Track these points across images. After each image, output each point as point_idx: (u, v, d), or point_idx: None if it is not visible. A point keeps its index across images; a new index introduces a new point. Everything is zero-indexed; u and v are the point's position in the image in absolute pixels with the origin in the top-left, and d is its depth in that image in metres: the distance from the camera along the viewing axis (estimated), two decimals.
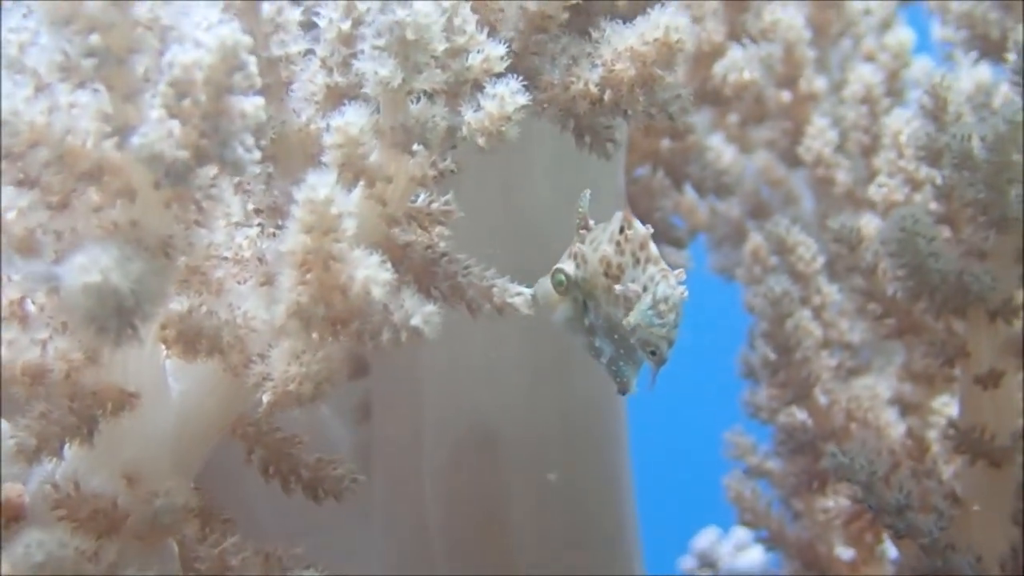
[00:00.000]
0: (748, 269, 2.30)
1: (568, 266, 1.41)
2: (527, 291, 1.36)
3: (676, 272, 1.36)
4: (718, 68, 2.17)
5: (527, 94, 1.30)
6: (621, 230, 1.37)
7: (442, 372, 1.99)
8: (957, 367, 1.93)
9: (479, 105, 1.30)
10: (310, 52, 1.39)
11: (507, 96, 1.29)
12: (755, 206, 2.73)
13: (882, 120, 2.36)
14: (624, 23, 1.51)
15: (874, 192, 2.12)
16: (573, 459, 2.01)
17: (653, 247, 1.37)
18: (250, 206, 1.41)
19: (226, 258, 1.37)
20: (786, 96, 2.54)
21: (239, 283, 1.36)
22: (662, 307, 1.34)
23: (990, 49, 2.29)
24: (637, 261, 1.37)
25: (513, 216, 1.89)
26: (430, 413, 2.01)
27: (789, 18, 2.46)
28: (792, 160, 2.56)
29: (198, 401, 1.37)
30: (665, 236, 2.26)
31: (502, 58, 1.33)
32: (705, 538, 3.24)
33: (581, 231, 1.43)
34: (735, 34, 2.11)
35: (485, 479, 2.02)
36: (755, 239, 2.31)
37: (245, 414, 1.38)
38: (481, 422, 1.98)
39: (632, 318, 1.35)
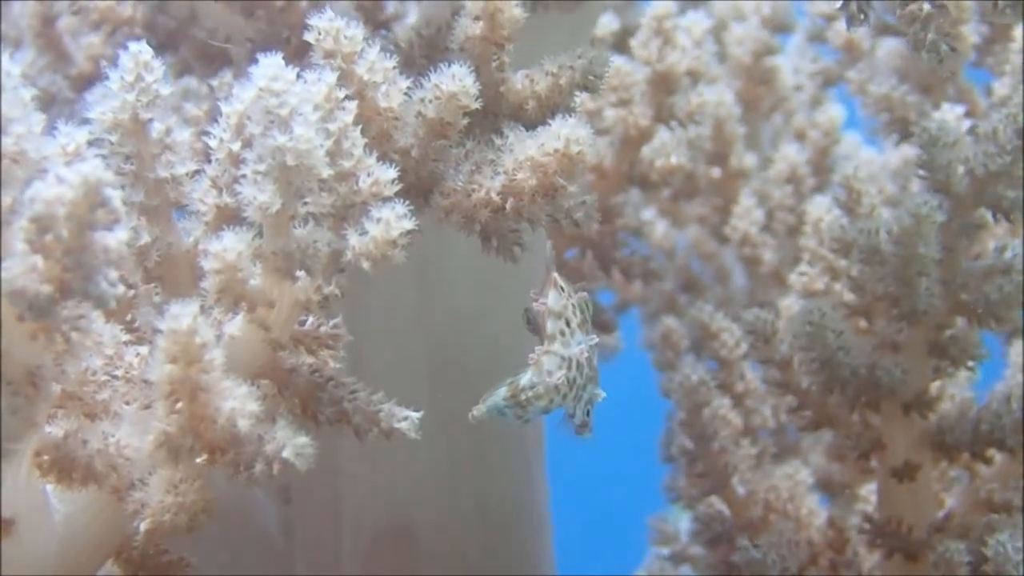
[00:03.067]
0: (661, 353, 2.24)
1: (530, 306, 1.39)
2: (414, 415, 1.31)
3: (577, 348, 1.31)
4: (646, 151, 2.11)
5: (413, 219, 1.24)
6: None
7: (360, 460, 1.93)
8: (874, 459, 1.89)
9: (364, 229, 1.24)
10: (199, 172, 1.34)
11: (393, 220, 1.24)
12: (686, 280, 2.68)
13: (806, 202, 2.32)
14: (533, 127, 1.48)
15: (794, 280, 2.07)
16: (491, 548, 1.96)
17: (551, 324, 1.33)
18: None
19: (116, 376, 1.32)
20: (716, 172, 2.49)
21: (127, 403, 1.30)
22: (525, 395, 1.31)
23: (910, 132, 2.26)
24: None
25: (431, 304, 1.84)
26: (348, 500, 1.96)
27: (718, 95, 2.42)
28: (722, 236, 2.52)
29: (83, 524, 1.31)
30: (593, 320, 2.21)
31: (392, 181, 1.28)
32: None
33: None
34: (662, 117, 2.06)
35: (403, 568, 1.95)
36: (667, 323, 2.25)
37: (128, 538, 1.32)
38: (399, 510, 1.93)
39: (476, 409, 1.33)
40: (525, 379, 1.31)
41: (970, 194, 1.74)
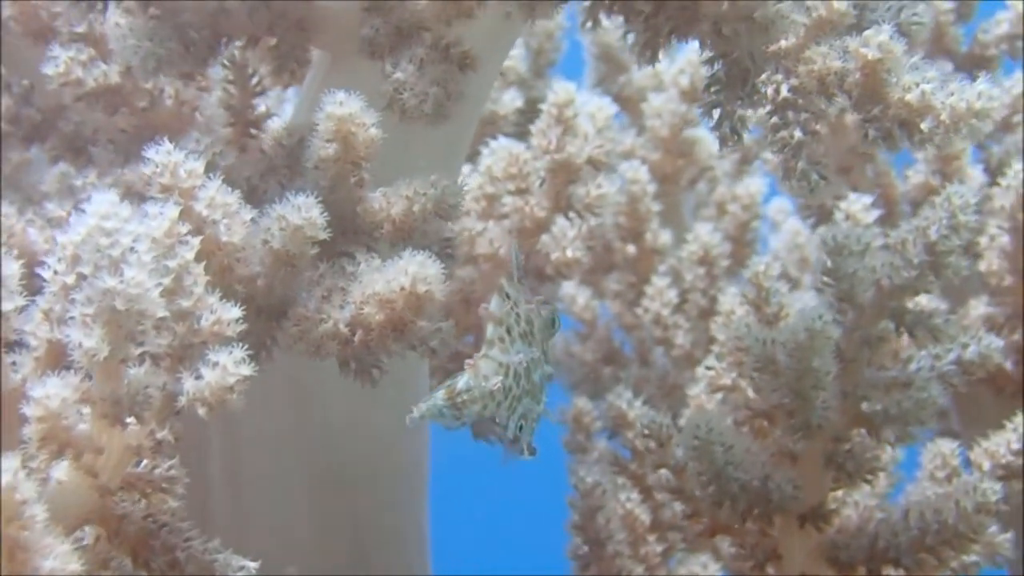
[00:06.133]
0: (571, 436, 2.24)
1: None
2: (251, 564, 1.31)
3: (516, 358, 1.35)
4: (544, 241, 2.10)
5: (251, 364, 1.25)
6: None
7: (228, 526, 1.91)
8: (770, 569, 1.90)
9: (200, 373, 1.25)
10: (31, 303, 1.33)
11: (230, 366, 1.25)
12: (608, 352, 2.68)
13: (720, 283, 2.34)
14: (394, 245, 1.49)
15: (701, 374, 2.07)
16: None
17: (490, 329, 1.37)
18: None
19: None
20: (631, 249, 2.50)
21: None
22: (460, 398, 1.33)
23: (825, 217, 2.28)
24: None
25: (305, 408, 1.84)
26: None
27: (633, 172, 2.42)
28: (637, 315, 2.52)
29: None
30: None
31: (237, 321, 1.28)
32: None
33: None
34: (560, 208, 2.07)
35: None
36: (578, 403, 2.25)
37: None
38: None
39: (416, 409, 1.35)
40: (461, 382, 1.33)
41: (875, 305, 1.76)
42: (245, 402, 1.76)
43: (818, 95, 1.42)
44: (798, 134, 1.43)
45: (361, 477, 1.86)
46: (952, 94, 1.36)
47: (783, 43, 1.44)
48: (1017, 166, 2.06)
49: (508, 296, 1.39)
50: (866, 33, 1.40)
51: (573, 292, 2.66)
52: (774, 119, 1.45)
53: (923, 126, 1.37)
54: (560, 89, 2.04)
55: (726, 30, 1.42)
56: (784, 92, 1.44)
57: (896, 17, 1.46)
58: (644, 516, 2.08)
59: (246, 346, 1.25)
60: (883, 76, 1.39)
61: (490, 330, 1.37)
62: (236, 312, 1.28)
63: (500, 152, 2.09)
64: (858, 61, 1.40)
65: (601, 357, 2.70)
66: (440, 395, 1.34)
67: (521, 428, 1.41)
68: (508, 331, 1.38)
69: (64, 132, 1.76)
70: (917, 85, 1.37)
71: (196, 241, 1.27)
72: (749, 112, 1.50)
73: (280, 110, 2.00)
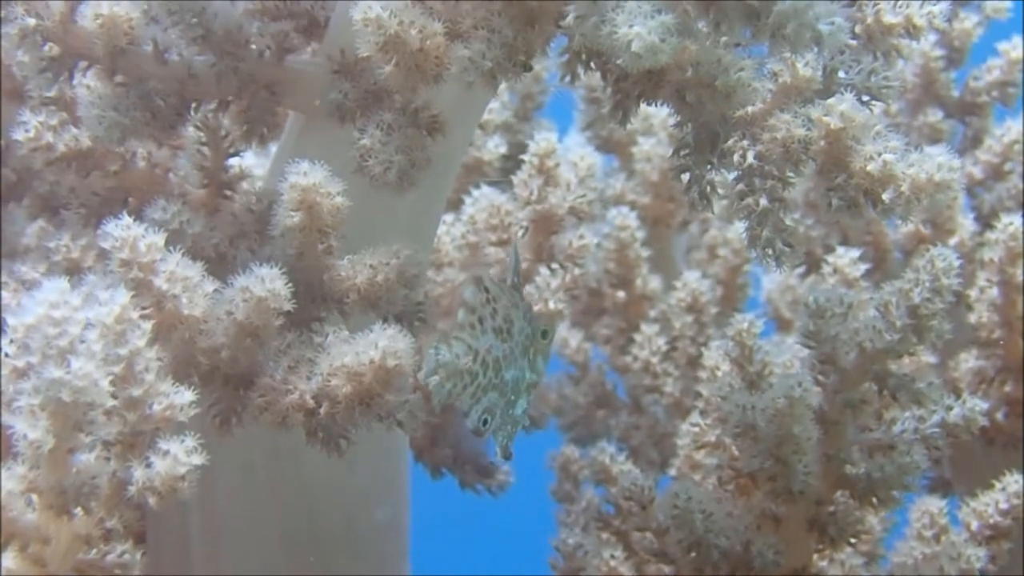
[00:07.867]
0: (559, 485, 2.21)
1: None
2: None
3: (485, 345, 1.36)
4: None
5: (201, 454, 1.23)
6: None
7: None
8: None
9: (150, 460, 1.23)
10: None
11: (180, 456, 1.23)
12: (601, 395, 2.65)
13: (709, 331, 2.31)
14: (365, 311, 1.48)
15: (686, 430, 2.04)
16: None
17: (461, 314, 1.38)
18: None
19: None
20: (621, 295, 2.47)
21: None
22: (441, 372, 1.35)
23: (815, 266, 2.25)
24: None
25: (283, 469, 1.82)
26: None
27: (622, 218, 2.40)
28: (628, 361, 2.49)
29: None
30: (474, 464, 2.18)
31: (191, 404, 1.26)
32: None
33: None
34: (542, 259, 2.04)
35: None
36: (566, 451, 2.22)
37: None
38: None
39: (425, 371, 1.37)
40: (442, 351, 1.35)
41: (857, 368, 1.72)
42: (223, 457, 1.77)
43: (783, 162, 1.39)
44: (763, 202, 1.40)
45: (338, 534, 1.83)
46: (912, 165, 1.33)
47: (750, 109, 1.41)
48: (1007, 218, 2.02)
49: (487, 289, 1.40)
50: (829, 101, 1.37)
51: (565, 335, 2.63)
52: (740, 186, 1.42)
53: (884, 196, 1.34)
54: (541, 139, 2.02)
55: (689, 97, 1.40)
56: (750, 159, 1.41)
57: (866, 80, 1.44)
58: (628, 573, 2.05)
59: (209, 419, 1.23)
60: (847, 144, 1.36)
61: (461, 315, 1.38)
62: (189, 396, 1.26)
63: (482, 202, 2.07)
64: (821, 129, 1.37)
65: (594, 400, 2.67)
66: (432, 355, 1.35)
67: (486, 423, 1.41)
68: (480, 321, 1.39)
69: (40, 192, 1.75)
70: (879, 155, 1.34)
71: (148, 326, 1.25)
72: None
73: (263, 162, 1.98)
